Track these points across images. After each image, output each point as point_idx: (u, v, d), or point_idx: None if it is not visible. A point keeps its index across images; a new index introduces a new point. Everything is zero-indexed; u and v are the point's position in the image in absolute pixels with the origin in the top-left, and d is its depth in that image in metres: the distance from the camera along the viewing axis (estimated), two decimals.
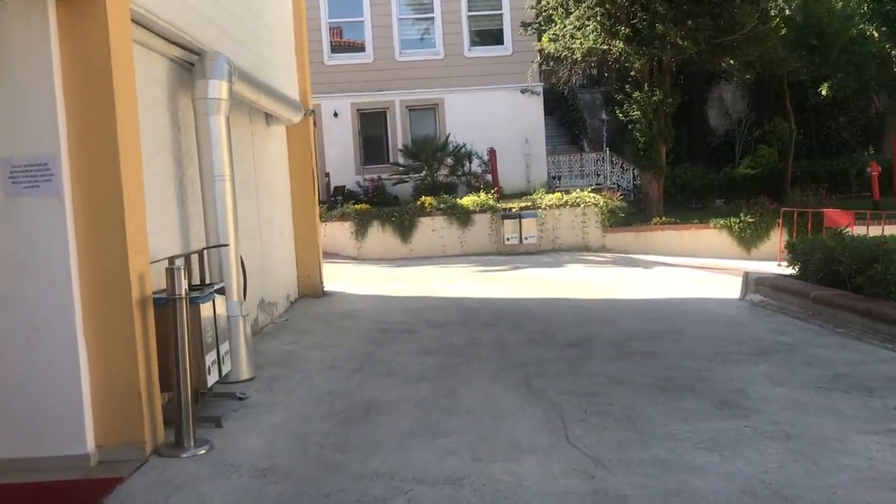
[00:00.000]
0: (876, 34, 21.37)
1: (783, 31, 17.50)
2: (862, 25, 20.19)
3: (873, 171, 18.40)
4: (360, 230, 17.76)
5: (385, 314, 9.88)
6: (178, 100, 6.67)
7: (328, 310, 10.30)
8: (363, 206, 18.22)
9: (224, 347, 5.88)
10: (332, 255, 17.14)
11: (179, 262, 5.29)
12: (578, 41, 16.81)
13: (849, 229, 16.09)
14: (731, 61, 16.86)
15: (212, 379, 5.54)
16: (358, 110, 22.71)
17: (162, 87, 6.36)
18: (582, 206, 17.63)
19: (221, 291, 5.99)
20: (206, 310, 5.47)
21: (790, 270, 9.94)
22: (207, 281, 6.27)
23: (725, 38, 16.29)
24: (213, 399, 5.88)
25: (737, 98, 30.18)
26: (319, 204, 19.38)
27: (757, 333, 7.83)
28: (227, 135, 6.70)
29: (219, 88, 6.60)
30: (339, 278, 13.26)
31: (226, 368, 5.91)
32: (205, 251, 6.23)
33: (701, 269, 14.92)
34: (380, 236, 17.83)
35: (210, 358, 5.53)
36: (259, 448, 4.85)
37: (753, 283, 9.95)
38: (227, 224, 6.61)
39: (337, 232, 17.89)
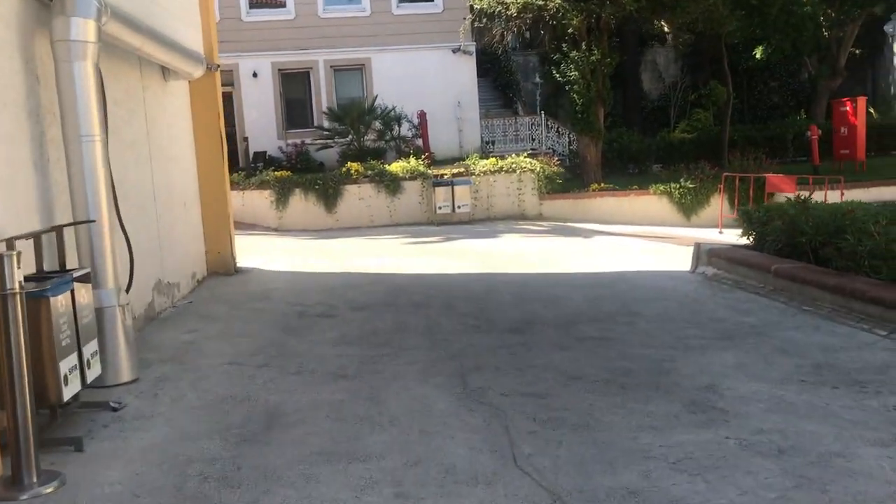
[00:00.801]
0: None
1: None
2: None
3: (813, 135, 18.00)
4: (281, 199, 16.51)
5: (303, 294, 8.79)
6: (35, 43, 5.41)
7: (239, 290, 9.16)
8: (284, 172, 16.95)
9: (90, 348, 4.75)
10: (250, 227, 15.87)
11: (24, 245, 4.14)
12: None
13: (791, 194, 15.68)
14: (671, 20, 16.02)
15: (71, 389, 4.42)
16: (279, 70, 21.26)
17: (8, 26, 5.09)
18: (518, 172, 16.73)
19: (86, 278, 4.84)
20: (59, 304, 4.32)
21: (744, 240, 9.22)
22: (74, 266, 5.11)
23: None
24: (80, 411, 4.76)
25: (669, 62, 29.75)
26: (237, 171, 18.11)
27: (717, 313, 7.05)
28: (98, 86, 5.48)
29: (83, 28, 5.35)
30: (256, 253, 12.07)
31: (93, 373, 4.78)
32: (62, 229, 5.03)
33: (643, 238, 14.23)
34: (302, 205, 16.60)
35: (68, 363, 4.40)
36: (124, 482, 3.77)
37: (706, 254, 9.21)
38: (99, 194, 5.41)
39: (256, 201, 16.59)
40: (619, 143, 21.24)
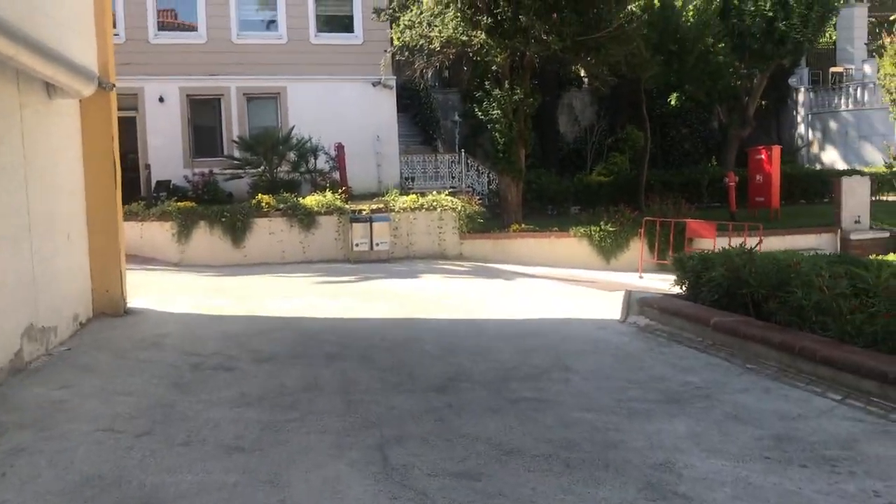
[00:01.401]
0: (720, 45, 21.39)
1: (645, 32, 16.75)
2: (710, 39, 20.03)
3: (730, 182, 18.12)
4: (184, 231, 15.39)
5: (201, 341, 7.85)
6: None
7: (127, 335, 8.13)
8: (188, 203, 15.85)
9: None
10: (148, 261, 14.71)
11: None
12: (437, 29, 15.29)
13: (710, 240, 15.60)
14: (595, 61, 15.85)
15: None
16: (188, 96, 20.17)
17: None
18: (439, 209, 16.13)
19: None
20: None
21: (676, 289, 8.80)
22: None
23: (591, 36, 15.29)
24: None
25: (585, 105, 30.10)
26: (137, 200, 16.89)
27: (657, 370, 6.51)
28: None
29: None
30: (152, 291, 11.00)
31: None
32: None
33: (565, 282, 13.79)
34: (207, 239, 15.53)
35: None
36: None
37: (637, 303, 8.73)
38: None
39: (155, 233, 15.42)
40: (538, 184, 21.02)
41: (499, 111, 16.25)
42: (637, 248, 16.52)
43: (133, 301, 9.63)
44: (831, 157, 30.61)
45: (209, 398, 5.73)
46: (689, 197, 20.32)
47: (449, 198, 16.55)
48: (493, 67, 15.83)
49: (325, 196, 16.23)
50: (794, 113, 33.07)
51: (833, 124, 31.43)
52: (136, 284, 10.65)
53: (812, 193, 22.20)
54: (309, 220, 15.81)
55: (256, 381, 6.21)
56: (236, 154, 18.65)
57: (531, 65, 16.58)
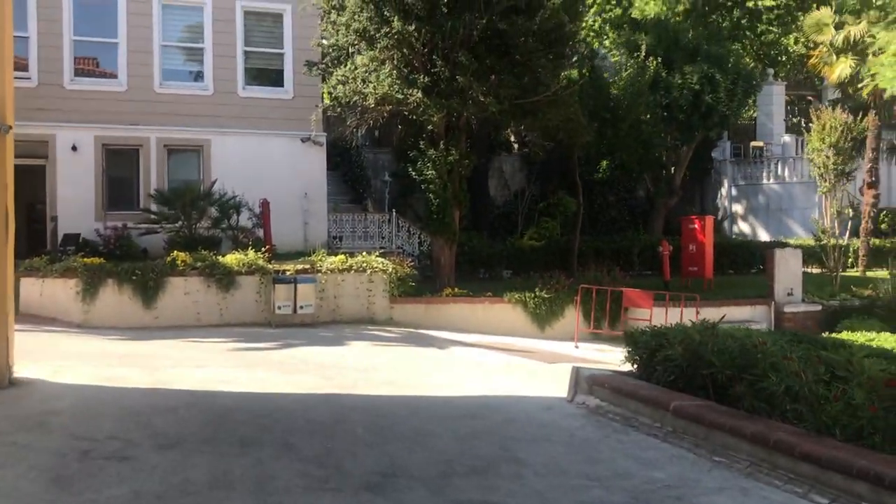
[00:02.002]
0: (650, 115, 21.66)
1: (580, 99, 16.61)
2: (642, 108, 20.18)
3: (664, 251, 17.95)
4: (90, 290, 14.14)
5: (96, 421, 6.80)
6: None
7: (8, 412, 7.02)
8: (96, 259, 14.62)
9: None
10: (47, 322, 13.42)
11: None
12: (372, 85, 14.74)
13: (647, 310, 15.23)
14: (532, 125, 15.56)
15: None
16: (104, 145, 19.00)
17: None
18: (369, 271, 15.33)
19: None
20: None
21: (627, 365, 8.19)
22: None
23: (529, 100, 14.99)
24: None
25: (515, 170, 30.12)
26: (42, 254, 15.59)
27: (618, 463, 5.82)
28: None
29: None
30: (47, 357, 9.82)
31: None
32: None
33: (502, 351, 13.11)
34: (115, 299, 14.30)
35: None
36: None
37: (586, 381, 8.08)
38: None
39: (58, 291, 14.13)
40: (470, 247, 20.48)
41: (433, 172, 15.71)
42: (572, 316, 16.03)
43: (22, 370, 8.49)
44: (754, 229, 31.21)
45: (95, 498, 4.75)
46: (620, 264, 20.10)
47: (380, 259, 15.79)
48: (430, 127, 15.34)
49: (247, 254, 15.26)
50: (718, 184, 33.78)
51: (755, 196, 32.18)
52: (29, 350, 9.49)
53: (740, 264, 22.32)
54: (228, 280, 14.78)
55: (156, 475, 5.25)
56: (153, 208, 17.53)
57: (467, 126, 16.18)
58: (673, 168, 28.07)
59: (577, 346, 14.99)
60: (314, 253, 16.25)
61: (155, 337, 12.89)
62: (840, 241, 17.99)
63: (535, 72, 14.97)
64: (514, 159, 30.19)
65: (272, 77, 20.68)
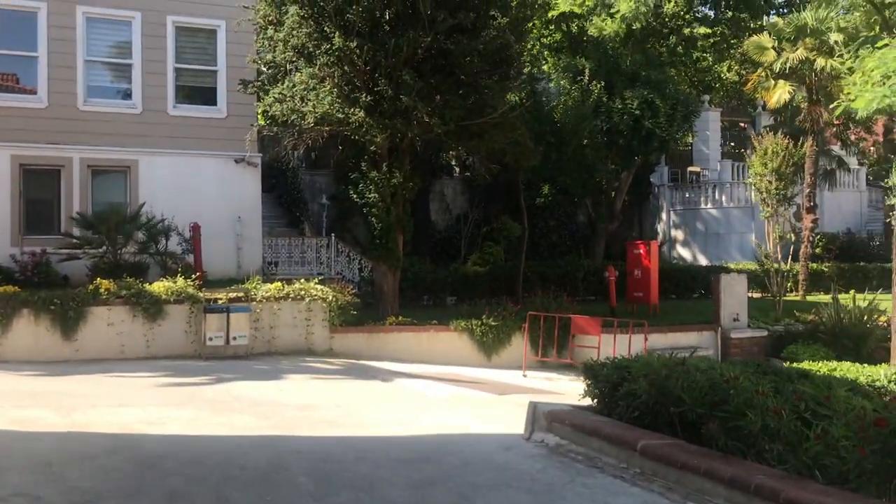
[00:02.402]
0: (594, 139, 21.60)
1: (526, 122, 16.30)
2: (587, 132, 20.04)
3: (611, 277, 17.68)
4: (3, 320, 13.00)
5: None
6: None
7: None
8: (9, 287, 13.55)
9: None
10: None
11: None
12: (311, 104, 14.10)
13: (595, 337, 14.88)
14: (478, 148, 15.15)
15: None
16: (22, 165, 17.85)
17: None
18: (307, 299, 14.60)
19: None
20: None
21: (587, 400, 7.71)
22: None
23: (474, 121, 14.59)
24: None
25: (457, 194, 29.82)
26: None
27: None
28: None
29: None
30: None
31: None
32: None
33: (449, 383, 12.52)
34: (31, 330, 13.24)
35: None
36: None
37: (545, 417, 7.56)
38: None
39: None
40: (413, 273, 19.90)
41: (376, 194, 15.12)
42: (519, 344, 15.58)
43: None
44: (692, 253, 31.46)
45: None
46: (566, 290, 19.75)
47: (318, 286, 15.07)
48: (373, 148, 14.76)
49: (176, 282, 14.36)
50: (657, 209, 34.04)
51: (693, 221, 32.50)
52: None
53: (683, 288, 22.28)
54: (156, 310, 13.86)
55: None
56: (75, 232, 16.48)
57: (411, 148, 15.67)
58: (613, 193, 28.12)
59: (525, 375, 14.53)
60: (248, 280, 15.43)
61: (74, 372, 11.91)
62: (783, 266, 18.01)
63: (481, 93, 14.59)
64: (456, 183, 29.88)
65: (205, 95, 19.85)
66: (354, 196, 15.60)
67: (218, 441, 7.55)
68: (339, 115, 14.21)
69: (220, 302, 14.29)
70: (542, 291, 17.28)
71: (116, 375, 11.72)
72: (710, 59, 40.49)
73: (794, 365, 10.61)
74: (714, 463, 5.51)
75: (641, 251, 18.35)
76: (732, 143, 41.72)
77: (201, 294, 14.38)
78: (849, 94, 11.13)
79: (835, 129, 26.98)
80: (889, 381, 8.31)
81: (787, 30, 21.12)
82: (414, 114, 14.08)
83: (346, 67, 13.98)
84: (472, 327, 15.41)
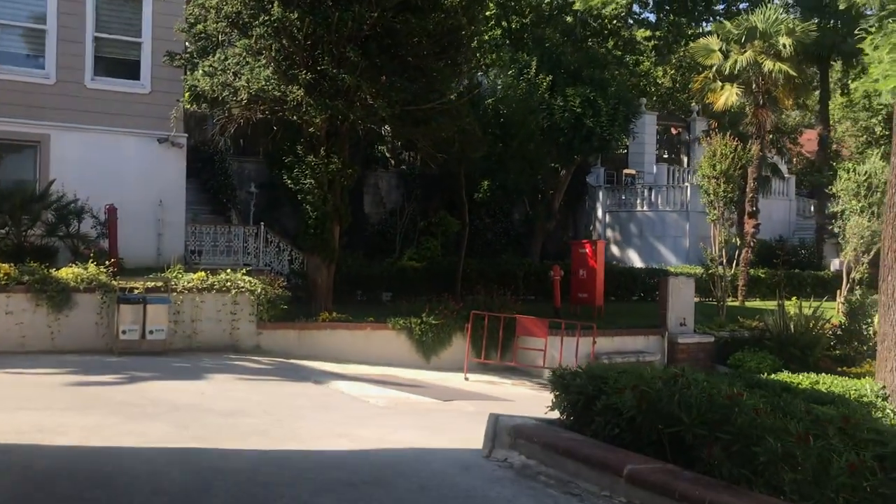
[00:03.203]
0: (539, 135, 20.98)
1: (474, 110, 15.45)
2: (533, 125, 19.35)
3: (556, 276, 16.97)
4: None
5: None
6: None
7: None
8: None
9: None
10: None
11: None
12: (245, 78, 12.89)
13: (542, 339, 14.14)
14: (425, 135, 14.22)
15: None
16: None
17: None
18: (234, 291, 13.40)
19: None
20: None
21: (554, 413, 6.88)
22: None
23: (421, 106, 13.64)
24: None
25: (392, 187, 28.88)
26: None
27: None
28: None
29: None
30: None
31: None
32: None
33: (389, 386, 11.57)
34: None
35: None
36: None
37: (508, 433, 6.69)
38: None
39: None
40: (347, 267, 18.82)
41: (312, 180, 14.00)
42: (460, 345, 14.73)
43: None
44: (628, 255, 31.24)
45: None
46: (505, 288, 19.01)
47: (246, 278, 13.88)
48: (311, 129, 13.60)
49: (87, 268, 12.97)
50: (592, 210, 33.74)
51: (628, 223, 32.30)
52: None
53: (623, 290, 21.82)
54: (63, 298, 12.45)
55: None
56: None
57: (352, 132, 14.63)
58: (552, 192, 27.60)
59: (466, 378, 13.68)
60: (169, 269, 14.11)
61: None
62: (727, 271, 17.66)
63: (429, 77, 13.66)
64: (391, 176, 28.92)
65: (127, 68, 18.32)
66: (289, 182, 14.44)
67: (127, 455, 6.42)
68: (276, 93, 13.05)
69: (136, 292, 12.97)
70: (483, 289, 16.48)
71: (14, 372, 10.35)
72: (649, 63, 40.66)
73: (775, 377, 10.04)
74: (722, 496, 4.72)
75: (587, 251, 17.72)
76: (666, 149, 41.92)
77: (115, 282, 13.02)
78: (872, 74, 10.55)
79: (771, 136, 27.04)
80: (877, 397, 7.81)
81: (736, 31, 20.85)
82: (357, 95, 13.06)
83: (284, 41, 12.84)
84: (412, 326, 14.48)
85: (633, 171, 35.99)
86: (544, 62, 23.10)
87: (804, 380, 9.66)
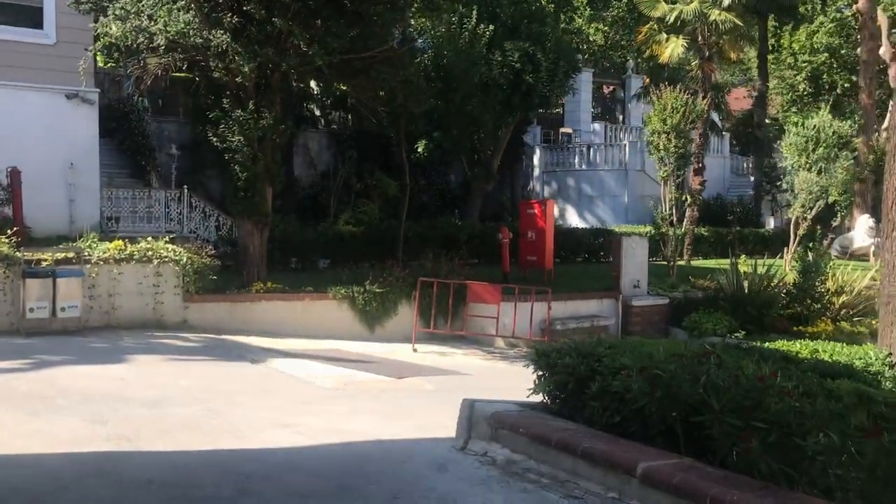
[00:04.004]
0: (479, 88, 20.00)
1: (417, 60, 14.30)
2: (476, 79, 18.26)
3: (504, 238, 16.07)
4: None
5: None
6: None
7: None
8: None
9: None
10: None
11: None
12: (162, 21, 11.43)
13: (494, 305, 13.28)
14: (364, 85, 13.04)
15: None
16: None
17: None
18: (156, 261, 12.06)
19: None
20: None
21: (537, 396, 6.00)
22: None
23: (360, 55, 12.43)
24: None
25: (322, 148, 27.54)
26: None
27: None
28: None
29: None
30: None
31: None
32: None
33: (335, 363, 10.53)
34: None
35: None
36: None
37: (487, 422, 5.77)
38: None
39: None
40: (280, 232, 17.56)
41: (240, 137, 12.67)
42: (406, 314, 13.76)
43: None
44: (566, 216, 30.66)
45: None
46: (446, 252, 18.07)
47: (169, 246, 12.54)
48: (239, 80, 12.22)
49: None
50: (529, 170, 33.02)
51: (566, 183, 31.71)
52: None
53: (567, 252, 21.12)
54: None
55: None
56: None
57: (284, 84, 13.32)
58: (490, 151, 26.68)
59: (415, 350, 12.75)
60: (83, 238, 12.65)
61: None
62: (678, 230, 17.12)
63: (369, 21, 12.43)
64: (322, 136, 27.52)
65: (28, 16, 16.52)
66: (214, 140, 13.05)
67: (29, 464, 5.27)
68: (198, 40, 11.63)
69: (44, 264, 11.52)
70: (428, 255, 15.51)
71: None
72: (581, 20, 39.91)
73: (772, 345, 9.40)
74: (765, 501, 3.90)
75: (536, 211, 16.86)
76: (600, 108, 41.43)
77: (20, 254, 11.53)
78: None
79: (711, 92, 26.63)
80: (883, 365, 7.22)
81: None
82: (289, 41, 11.76)
83: None
84: (354, 295, 13.42)
85: (569, 130, 35.31)
86: (482, 16, 22.02)
87: (802, 348, 9.06)
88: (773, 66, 37.44)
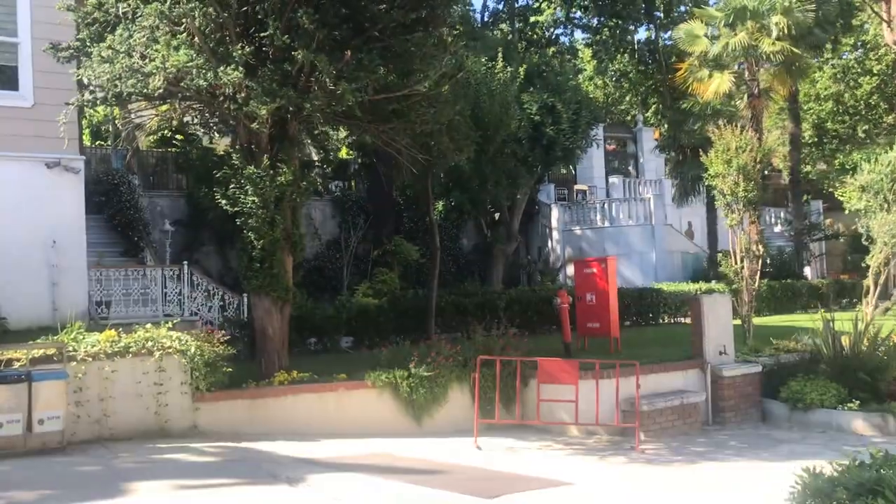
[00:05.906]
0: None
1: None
2: (513, 123, 16.30)
3: (563, 303, 13.77)
4: None
5: None
6: None
7: None
8: None
9: None
10: None
11: None
12: (160, 56, 9.32)
13: (572, 386, 10.94)
14: (403, 129, 10.94)
15: None
16: None
17: None
18: (158, 354, 9.69)
19: None
20: None
21: None
22: None
23: (399, 92, 10.37)
24: None
25: (326, 217, 25.69)
26: None
27: None
28: None
29: None
30: None
31: None
32: None
33: (390, 475, 8.10)
34: None
35: None
36: None
37: None
38: None
39: None
40: (297, 309, 15.21)
41: (255, 198, 10.48)
42: (458, 401, 11.40)
43: None
44: None
45: None
46: (487, 322, 15.78)
47: (173, 333, 10.21)
48: (255, 125, 10.05)
49: None
50: (546, 229, 31.04)
51: (587, 241, 29.67)
52: None
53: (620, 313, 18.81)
54: None
55: None
56: None
57: (303, 132, 11.22)
58: (509, 210, 24.71)
59: (479, 447, 10.31)
60: (67, 329, 10.27)
61: None
62: (752, 284, 14.91)
63: (405, 55, 10.41)
64: (325, 204, 25.66)
65: (3, 77, 14.53)
66: (223, 202, 10.82)
67: None
68: (202, 82, 9.51)
69: (17, 364, 9.16)
70: (474, 326, 13.24)
71: None
72: (590, 69, 38.60)
73: None
74: None
75: (596, 270, 14.59)
76: (616, 162, 39.81)
77: None
78: None
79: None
80: None
81: (721, 14, 18.41)
82: (314, 77, 9.68)
83: (210, 8, 9.38)
84: (397, 381, 11.03)
85: (584, 187, 33.57)
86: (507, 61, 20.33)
87: None
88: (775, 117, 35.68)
